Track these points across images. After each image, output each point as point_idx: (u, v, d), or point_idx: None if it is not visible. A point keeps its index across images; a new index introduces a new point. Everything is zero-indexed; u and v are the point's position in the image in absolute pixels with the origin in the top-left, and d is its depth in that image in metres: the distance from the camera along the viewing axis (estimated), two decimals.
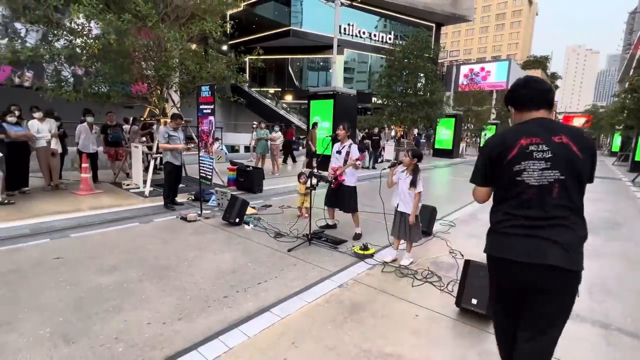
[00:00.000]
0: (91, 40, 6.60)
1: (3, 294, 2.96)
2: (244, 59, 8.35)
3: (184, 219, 5.40)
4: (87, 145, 7.55)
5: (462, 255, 4.12)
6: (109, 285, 3.18)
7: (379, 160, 14.37)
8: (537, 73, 53.82)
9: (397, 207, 3.89)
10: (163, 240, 4.50)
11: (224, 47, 23.40)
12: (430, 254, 4.26)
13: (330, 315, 2.79)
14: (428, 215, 5.09)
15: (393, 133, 20.01)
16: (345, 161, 4.68)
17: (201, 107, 5.86)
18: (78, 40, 6.66)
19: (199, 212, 5.65)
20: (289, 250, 4.19)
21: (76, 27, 6.59)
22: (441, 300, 3.09)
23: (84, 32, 6.60)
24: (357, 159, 4.59)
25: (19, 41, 6.51)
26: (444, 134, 20.71)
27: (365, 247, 4.14)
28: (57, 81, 7.00)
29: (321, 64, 29.96)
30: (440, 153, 20.46)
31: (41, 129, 6.63)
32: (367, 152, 13.29)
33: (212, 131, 5.81)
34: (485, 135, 28.37)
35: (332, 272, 3.65)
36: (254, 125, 10.33)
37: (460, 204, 7.33)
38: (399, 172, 3.86)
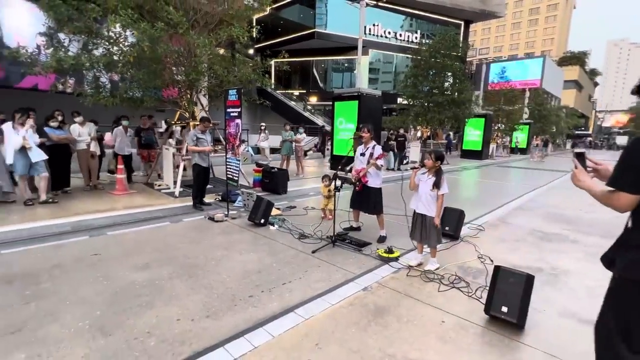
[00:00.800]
0: (127, 48, 6.96)
1: (47, 287, 3.17)
2: (269, 62, 8.50)
3: (212, 219, 5.56)
4: (122, 147, 7.95)
5: (492, 261, 3.98)
6: (141, 281, 3.33)
7: (405, 161, 14.15)
8: (574, 70, 51.02)
9: (416, 210, 3.82)
10: (192, 239, 4.66)
11: (251, 51, 23.91)
12: (457, 258, 4.14)
13: (354, 318, 2.78)
14: (456, 218, 4.96)
15: (419, 134, 19.64)
16: (369, 163, 4.65)
17: (228, 110, 6.02)
18: (115, 48, 7.05)
19: (226, 213, 5.80)
20: (313, 252, 4.22)
21: (113, 35, 6.97)
22: (469, 307, 3.00)
23: (120, 41, 6.98)
24: (377, 158, 4.55)
25: (63, 50, 6.96)
26: (473, 134, 20.06)
27: (389, 250, 4.09)
28: (95, 87, 7.43)
29: (345, 65, 29.90)
30: (469, 154, 19.83)
31: (82, 133, 7.05)
32: (391, 153, 13.16)
33: (239, 134, 5.95)
34: (516, 136, 27.27)
35: (356, 274, 3.63)
36: (288, 128, 10.51)
37: (489, 207, 7.07)
38: (420, 174, 3.79)
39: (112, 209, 5.77)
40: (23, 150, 5.66)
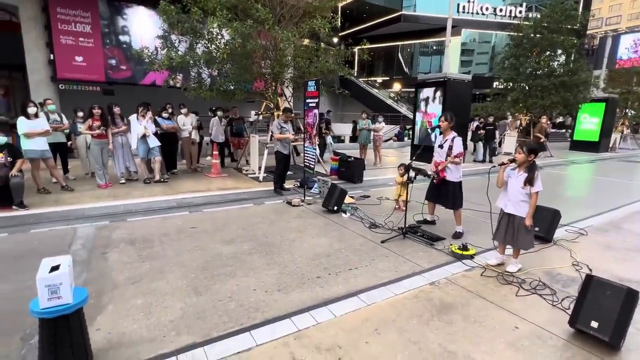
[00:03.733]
0: (222, 46, 7.76)
1: (158, 250, 3.88)
2: (352, 50, 8.54)
3: (289, 203, 5.96)
4: (217, 135, 8.97)
5: (590, 270, 3.47)
6: (227, 254, 3.82)
7: (496, 152, 12.83)
8: None
9: (504, 209, 3.49)
10: (271, 220, 5.10)
11: (335, 39, 24.12)
12: (545, 263, 3.71)
13: (417, 311, 2.76)
14: (549, 219, 4.41)
15: (518, 122, 17.40)
16: (448, 156, 4.40)
17: (307, 100, 6.30)
18: (212, 46, 7.92)
19: (302, 198, 6.15)
20: (382, 242, 4.24)
21: (212, 35, 7.83)
22: (551, 317, 2.70)
23: (218, 39, 7.81)
24: (456, 156, 4.27)
25: (174, 50, 8.12)
26: (589, 122, 16.94)
27: (464, 247, 3.88)
28: (198, 82, 8.49)
29: (434, 48, 27.98)
30: (581, 146, 16.83)
31: (186, 122, 8.18)
32: (480, 144, 12.07)
33: (316, 123, 6.19)
34: None
35: (424, 268, 3.56)
36: (364, 116, 10.55)
37: (599, 208, 6.04)
38: (509, 170, 3.44)
39: (207, 190, 6.63)
40: (144, 137, 6.84)
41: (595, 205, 6.28)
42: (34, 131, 5.82)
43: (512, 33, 16.16)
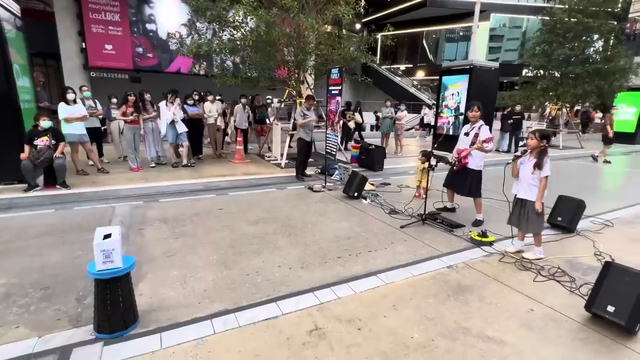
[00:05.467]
0: (247, 33, 7.90)
1: (189, 229, 4.15)
2: (375, 36, 8.48)
3: (311, 189, 6.13)
4: (241, 122, 9.21)
5: (613, 260, 3.45)
6: (253, 233, 4.04)
7: (521, 143, 12.46)
8: None
9: (516, 194, 3.55)
10: (293, 204, 5.29)
11: (357, 26, 23.75)
12: (566, 252, 3.71)
13: (434, 291, 2.88)
14: (572, 209, 4.37)
15: (547, 111, 16.70)
16: (473, 144, 4.39)
17: (330, 88, 6.38)
18: (238, 34, 8.07)
19: (324, 184, 6.30)
20: (402, 227, 4.34)
21: (237, 23, 7.98)
22: (568, 302, 2.76)
23: (243, 26, 7.95)
24: (484, 141, 4.26)
25: (202, 38, 8.34)
26: (625, 112, 16.04)
27: (483, 234, 3.92)
28: (222, 70, 8.71)
29: (461, 34, 27.02)
30: (616, 137, 15.98)
31: (211, 109, 8.44)
32: (507, 134, 11.78)
33: (339, 111, 6.27)
34: None
35: (442, 252, 3.65)
36: (389, 104, 10.51)
37: (628, 201, 5.87)
38: (523, 157, 3.47)
39: (232, 174, 6.89)
40: (172, 123, 7.15)
41: (625, 198, 6.09)
42: (73, 116, 6.22)
43: (545, 17, 15.39)
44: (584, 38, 13.50)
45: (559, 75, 14.00)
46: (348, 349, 2.16)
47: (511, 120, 11.58)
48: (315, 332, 2.31)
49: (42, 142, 5.28)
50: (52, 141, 5.42)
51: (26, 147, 5.19)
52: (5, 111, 5.35)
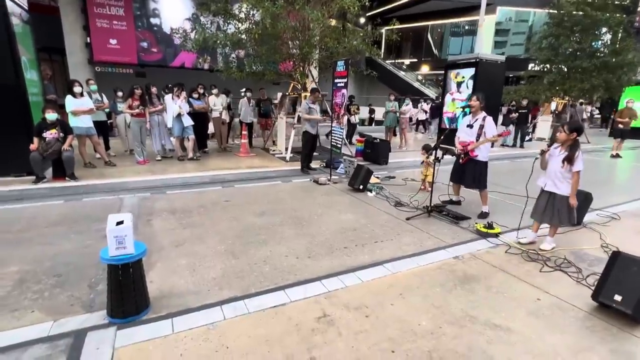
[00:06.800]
0: (252, 26, 7.88)
1: (196, 219, 4.19)
2: (380, 30, 8.43)
3: (316, 182, 6.15)
4: (245, 116, 9.23)
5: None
6: (259, 224, 4.08)
7: (527, 138, 12.37)
8: None
9: (544, 187, 3.51)
10: (299, 197, 5.32)
11: (362, 20, 23.59)
12: (573, 244, 3.71)
13: (440, 280, 2.90)
14: (580, 201, 4.30)
15: (554, 106, 16.54)
16: (479, 136, 4.36)
17: (336, 81, 6.37)
18: (242, 27, 8.05)
19: (329, 177, 6.32)
20: (408, 219, 4.35)
21: (243, 15, 7.96)
22: (574, 291, 2.77)
23: (249, 18, 7.93)
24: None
25: (205, 31, 8.33)
26: (633, 107, 15.83)
27: (490, 226, 3.93)
28: (226, 63, 8.71)
29: (466, 27, 26.73)
30: (625, 132, 15.85)
31: (216, 103, 8.46)
32: (512, 128, 11.69)
33: (344, 104, 6.26)
34: None
35: (448, 243, 3.66)
36: (392, 98, 10.46)
37: (635, 195, 5.84)
38: (552, 149, 3.44)
39: (237, 167, 6.92)
40: (178, 116, 7.18)
41: (633, 192, 6.06)
42: (80, 109, 6.27)
43: (552, 10, 15.19)
44: (591, 31, 13.32)
45: (565, 69, 13.85)
46: (356, 335, 2.20)
47: (516, 114, 11.48)
48: (324, 319, 2.34)
49: (50, 134, 5.34)
50: (61, 134, 5.47)
51: (35, 139, 5.25)
52: (15, 104, 5.41)
